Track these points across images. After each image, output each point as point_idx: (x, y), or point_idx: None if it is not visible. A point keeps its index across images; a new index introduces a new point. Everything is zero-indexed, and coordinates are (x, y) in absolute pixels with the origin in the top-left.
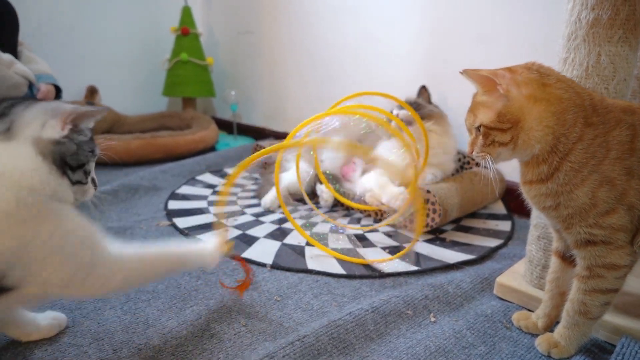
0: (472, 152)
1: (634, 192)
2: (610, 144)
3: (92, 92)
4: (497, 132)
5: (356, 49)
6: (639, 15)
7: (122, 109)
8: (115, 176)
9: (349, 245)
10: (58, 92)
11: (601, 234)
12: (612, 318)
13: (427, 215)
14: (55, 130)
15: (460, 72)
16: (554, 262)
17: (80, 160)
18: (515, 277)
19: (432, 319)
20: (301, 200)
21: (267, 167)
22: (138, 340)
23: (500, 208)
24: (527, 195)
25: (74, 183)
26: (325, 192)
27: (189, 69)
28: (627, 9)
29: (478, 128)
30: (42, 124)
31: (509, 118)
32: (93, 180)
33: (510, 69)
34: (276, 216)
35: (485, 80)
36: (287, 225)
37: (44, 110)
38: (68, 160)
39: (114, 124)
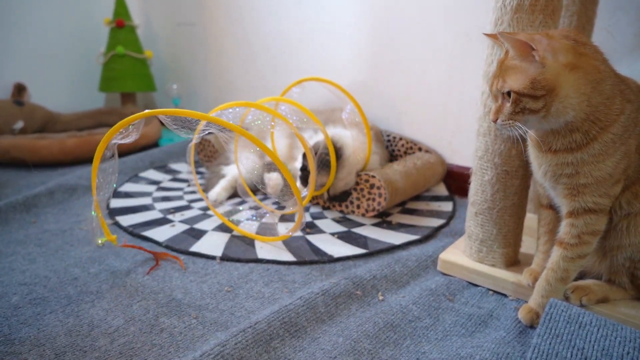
0: (497, 119)
1: (634, 165)
2: (637, 120)
3: (19, 90)
4: (529, 99)
5: (300, 36)
6: (557, 2)
7: (55, 107)
8: (49, 177)
9: (299, 233)
10: None
11: (604, 203)
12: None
13: (374, 199)
14: None
15: (498, 34)
16: (547, 214)
17: None
18: (456, 252)
19: (380, 297)
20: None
21: (212, 160)
22: (82, 342)
23: (442, 190)
24: (545, 162)
25: None
26: (272, 179)
27: (126, 63)
28: None
29: (507, 94)
30: None
31: (544, 85)
32: None
33: (547, 35)
34: (224, 208)
35: (520, 45)
36: (236, 217)
37: None
38: None
39: (47, 123)
